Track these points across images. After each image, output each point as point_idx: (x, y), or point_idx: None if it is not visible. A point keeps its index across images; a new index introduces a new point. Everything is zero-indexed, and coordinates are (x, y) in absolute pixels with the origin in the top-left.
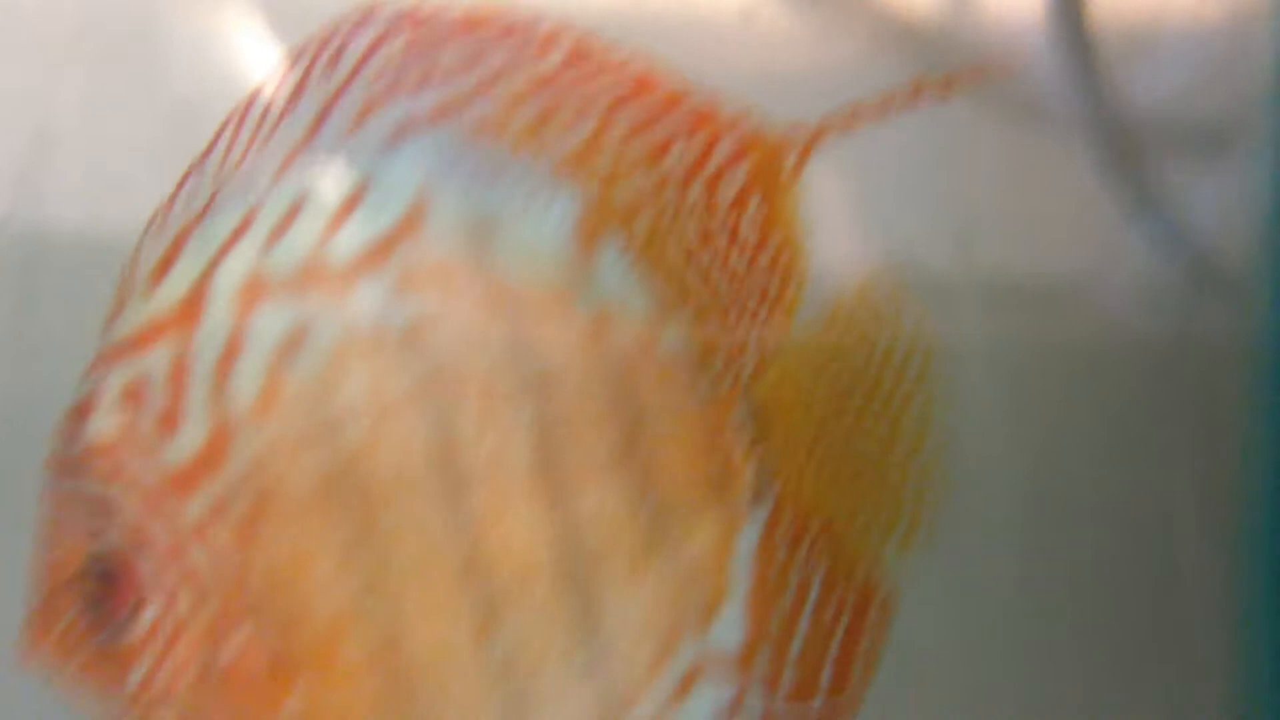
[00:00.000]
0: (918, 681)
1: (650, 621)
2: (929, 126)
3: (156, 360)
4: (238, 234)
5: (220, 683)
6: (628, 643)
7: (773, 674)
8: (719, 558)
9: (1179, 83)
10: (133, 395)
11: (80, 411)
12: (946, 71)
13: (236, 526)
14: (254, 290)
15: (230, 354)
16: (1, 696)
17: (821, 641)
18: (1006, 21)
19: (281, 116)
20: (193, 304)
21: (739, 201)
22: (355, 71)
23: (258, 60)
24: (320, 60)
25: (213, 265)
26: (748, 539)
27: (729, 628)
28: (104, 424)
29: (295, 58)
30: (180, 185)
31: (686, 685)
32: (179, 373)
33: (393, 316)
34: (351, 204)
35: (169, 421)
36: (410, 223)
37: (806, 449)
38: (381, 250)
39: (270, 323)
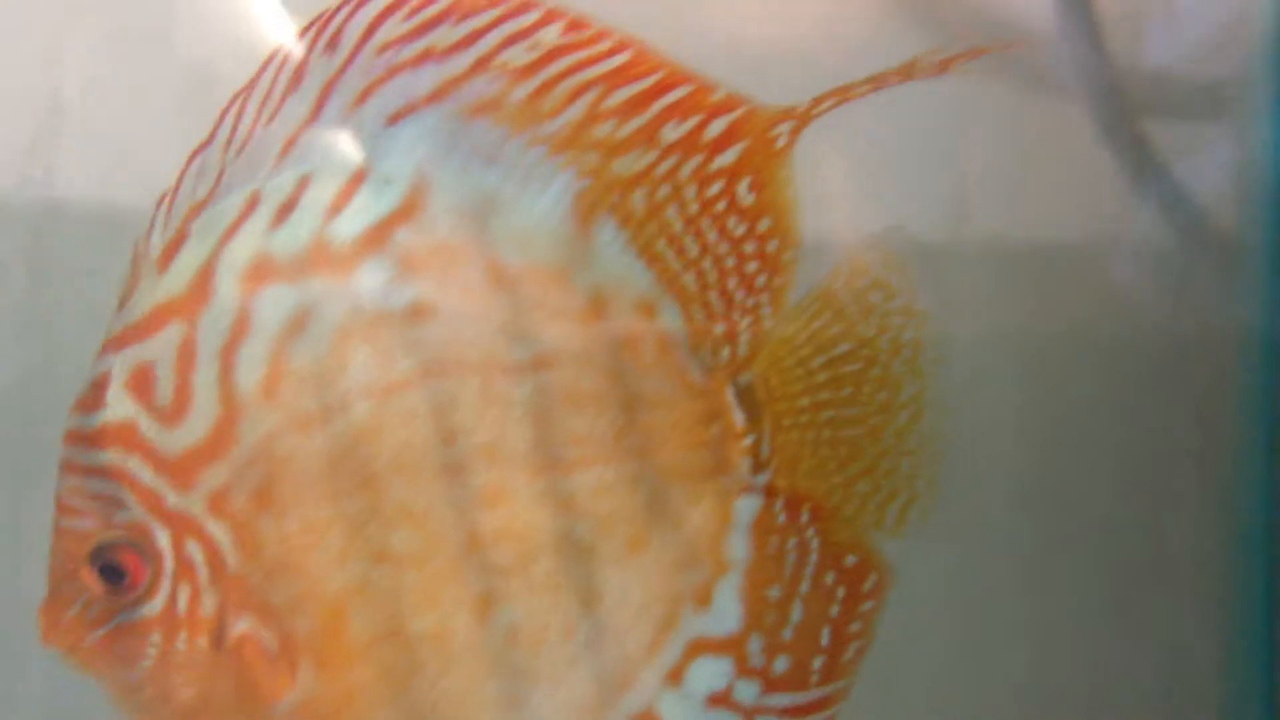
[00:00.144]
0: (915, 663)
1: (649, 600)
2: (931, 95)
3: (166, 343)
4: (243, 216)
5: (231, 658)
6: (627, 621)
7: (768, 652)
8: (716, 535)
9: (1181, 47)
10: (143, 377)
11: (95, 391)
12: (944, 48)
13: (246, 505)
14: (260, 273)
15: (237, 337)
16: (17, 673)
17: (817, 619)
18: None
19: (284, 96)
20: (200, 287)
21: (730, 182)
22: (356, 51)
23: (269, 30)
24: (321, 39)
25: (219, 248)
26: (745, 515)
27: (726, 605)
28: (117, 405)
29: (298, 37)
30: (188, 165)
31: (685, 663)
32: (187, 355)
33: (395, 297)
34: (353, 185)
35: (179, 403)
36: (411, 204)
37: (802, 425)
38: (383, 231)
39: (276, 305)
